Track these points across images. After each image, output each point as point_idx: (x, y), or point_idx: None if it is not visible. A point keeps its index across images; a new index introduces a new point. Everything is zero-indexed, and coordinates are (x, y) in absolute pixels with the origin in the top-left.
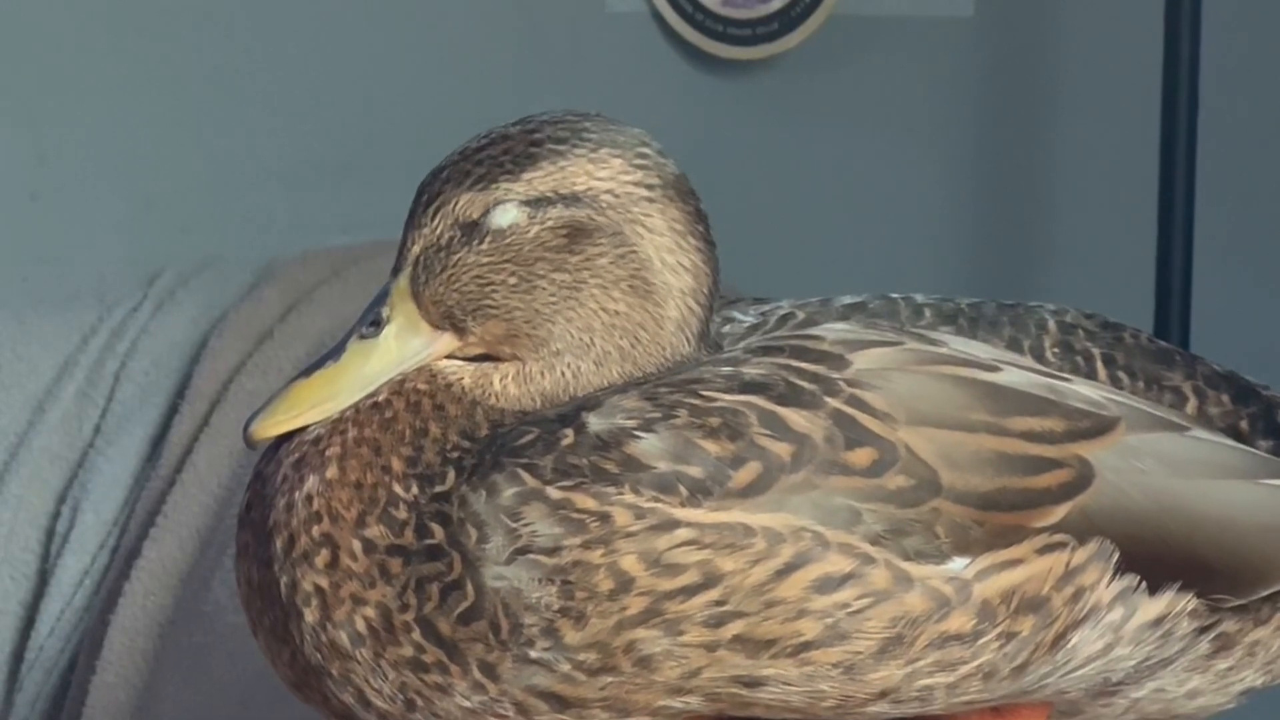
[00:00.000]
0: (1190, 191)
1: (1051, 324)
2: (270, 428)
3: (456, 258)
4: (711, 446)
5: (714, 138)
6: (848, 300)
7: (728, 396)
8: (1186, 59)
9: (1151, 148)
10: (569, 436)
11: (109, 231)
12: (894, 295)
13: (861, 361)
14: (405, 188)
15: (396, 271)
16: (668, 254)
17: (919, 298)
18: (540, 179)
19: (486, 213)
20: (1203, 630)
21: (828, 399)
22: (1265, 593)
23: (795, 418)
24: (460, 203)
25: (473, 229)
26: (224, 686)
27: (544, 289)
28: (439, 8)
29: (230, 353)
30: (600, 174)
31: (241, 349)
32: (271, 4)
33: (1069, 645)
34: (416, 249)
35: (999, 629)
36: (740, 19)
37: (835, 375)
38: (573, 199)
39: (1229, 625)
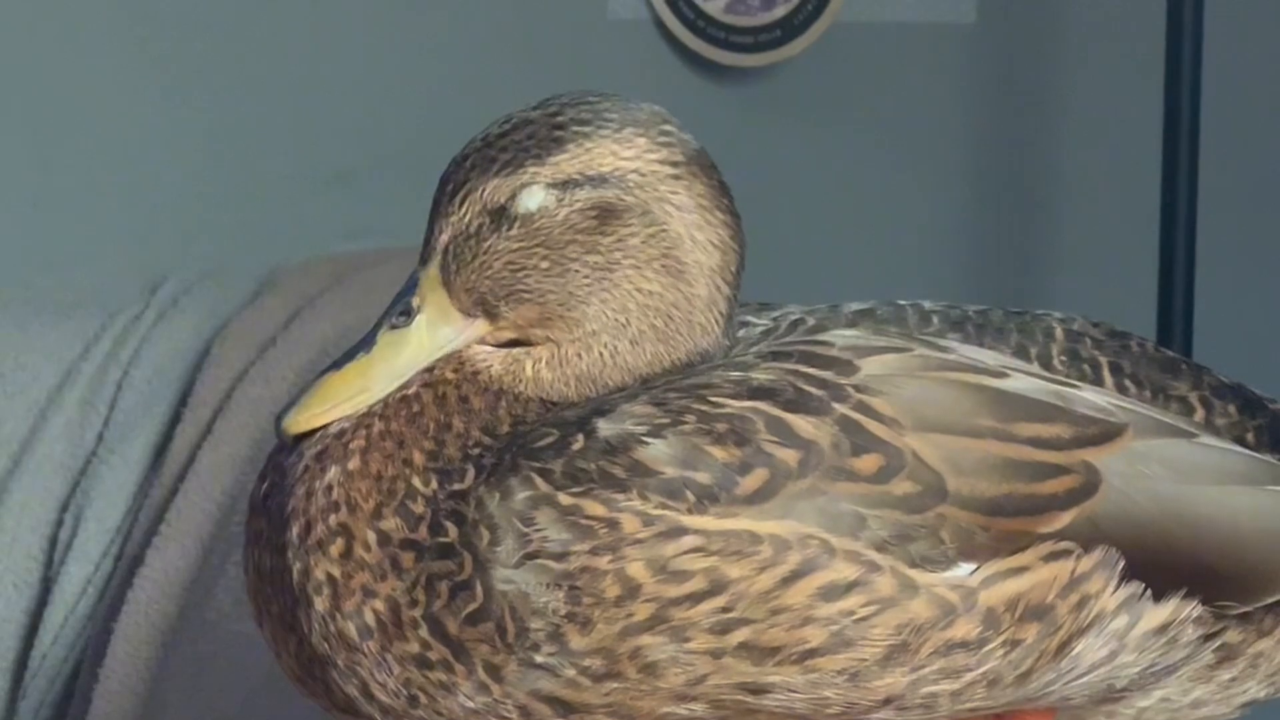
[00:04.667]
0: (1193, 198)
1: (1059, 332)
2: (305, 421)
3: (487, 244)
4: (719, 453)
5: (717, 145)
6: (856, 306)
7: (735, 402)
8: (1189, 66)
9: (1154, 154)
10: (579, 441)
11: (112, 240)
12: (902, 302)
13: (869, 367)
14: (407, 196)
15: (425, 260)
16: (697, 231)
17: (926, 304)
18: (567, 161)
19: (514, 198)
20: (1207, 639)
21: (835, 405)
22: (1270, 599)
23: (802, 424)
24: (488, 189)
25: (501, 215)
26: (227, 693)
27: (577, 271)
28: (441, 16)
29: (233, 360)
30: (626, 154)
31: (244, 357)
32: (274, 13)
33: (1073, 653)
34: (445, 237)
35: (1003, 636)
36: (743, 26)
37: (843, 381)
38: (600, 180)
39: (1232, 635)
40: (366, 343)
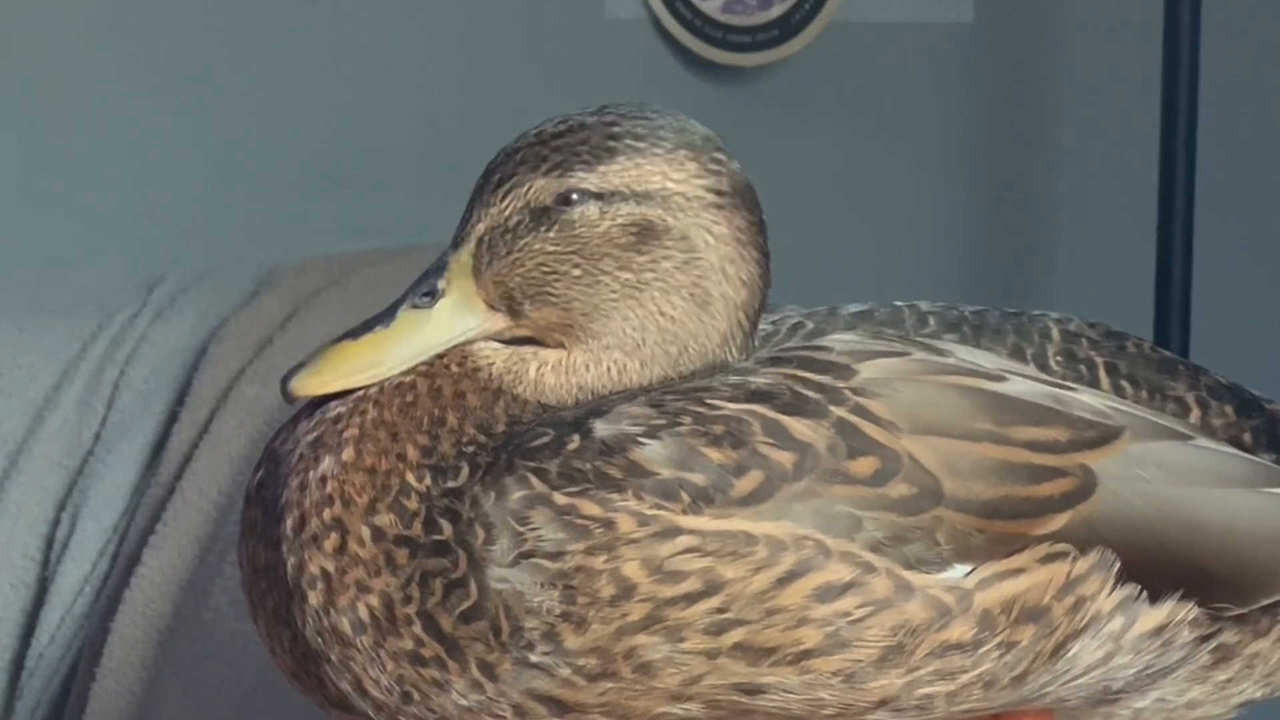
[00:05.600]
0: (1190, 198)
1: (1055, 332)
2: (313, 386)
3: (523, 242)
4: (714, 454)
5: None
6: (854, 309)
7: (732, 405)
8: (1186, 66)
9: (1151, 154)
10: (575, 441)
11: (109, 239)
12: (899, 303)
13: (868, 371)
14: (405, 195)
15: (456, 244)
16: (729, 265)
17: (923, 305)
18: (616, 173)
19: (558, 201)
20: (1203, 640)
21: (832, 408)
22: (1266, 601)
23: (798, 427)
24: (533, 187)
25: (543, 215)
26: (223, 693)
27: (607, 284)
28: (438, 15)
29: (230, 360)
30: (675, 175)
31: (241, 356)
32: (272, 12)
33: (1069, 654)
34: (482, 227)
35: (999, 638)
36: (740, 25)
37: (841, 385)
38: (645, 197)
39: (1229, 636)
40: (386, 317)
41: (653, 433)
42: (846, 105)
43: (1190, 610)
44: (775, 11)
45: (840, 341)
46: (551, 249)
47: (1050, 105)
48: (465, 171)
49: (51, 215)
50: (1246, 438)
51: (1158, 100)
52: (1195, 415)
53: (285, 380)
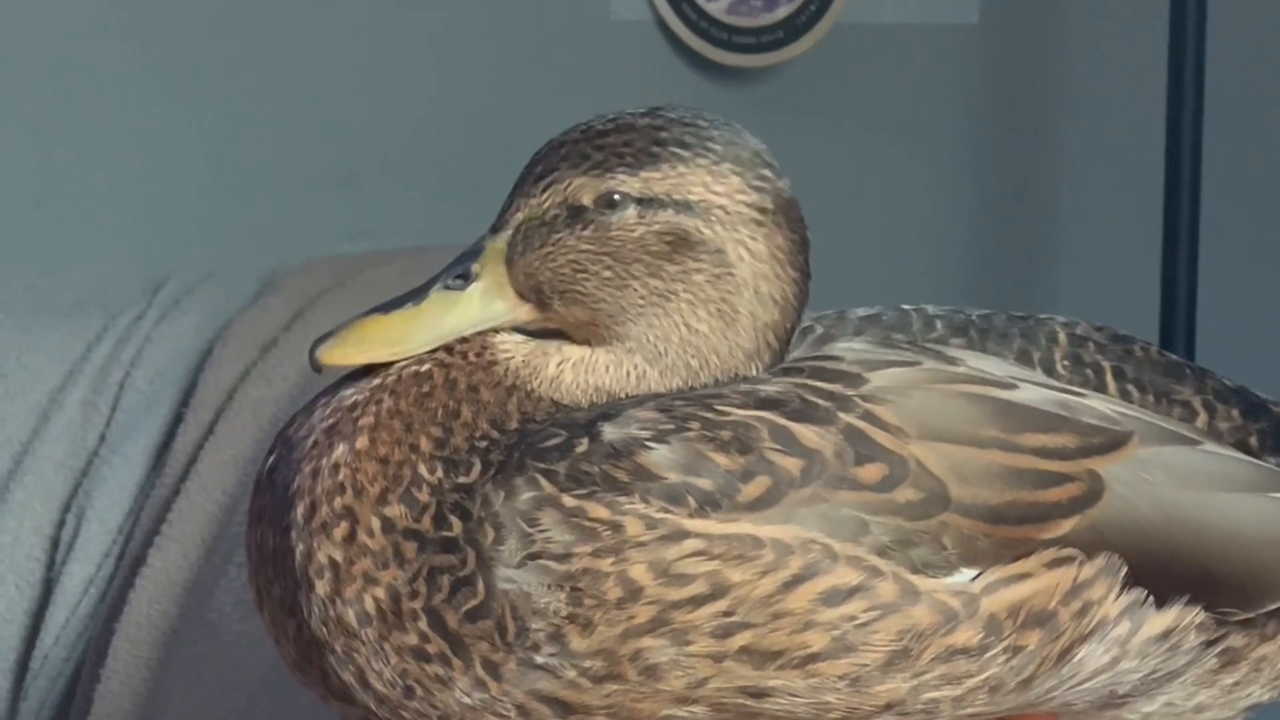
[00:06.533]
0: (1195, 201)
1: (1062, 336)
2: (339, 356)
3: (558, 237)
4: (721, 459)
5: None
6: (862, 313)
7: (740, 411)
8: (1191, 67)
9: (1157, 155)
10: (584, 444)
11: (113, 240)
12: (906, 307)
13: (878, 380)
14: (409, 197)
15: (495, 230)
16: (764, 283)
17: (930, 309)
18: (657, 180)
19: (597, 201)
20: (1210, 644)
21: (841, 415)
22: (1273, 606)
23: (806, 433)
24: (573, 184)
25: (579, 213)
26: (228, 694)
27: (635, 290)
28: (443, 17)
29: (235, 361)
30: (717, 188)
31: (246, 357)
32: (276, 13)
33: (1075, 659)
34: (520, 216)
35: (1005, 643)
36: (745, 27)
37: (850, 392)
38: (684, 206)
39: (1236, 640)
40: (418, 295)
41: (660, 437)
42: (851, 107)
43: (1197, 615)
44: (780, 13)
45: (851, 350)
46: (585, 248)
47: (1055, 107)
48: (469, 173)
49: (55, 216)
50: (1253, 441)
51: (1163, 102)
52: (1202, 419)
53: (313, 348)
